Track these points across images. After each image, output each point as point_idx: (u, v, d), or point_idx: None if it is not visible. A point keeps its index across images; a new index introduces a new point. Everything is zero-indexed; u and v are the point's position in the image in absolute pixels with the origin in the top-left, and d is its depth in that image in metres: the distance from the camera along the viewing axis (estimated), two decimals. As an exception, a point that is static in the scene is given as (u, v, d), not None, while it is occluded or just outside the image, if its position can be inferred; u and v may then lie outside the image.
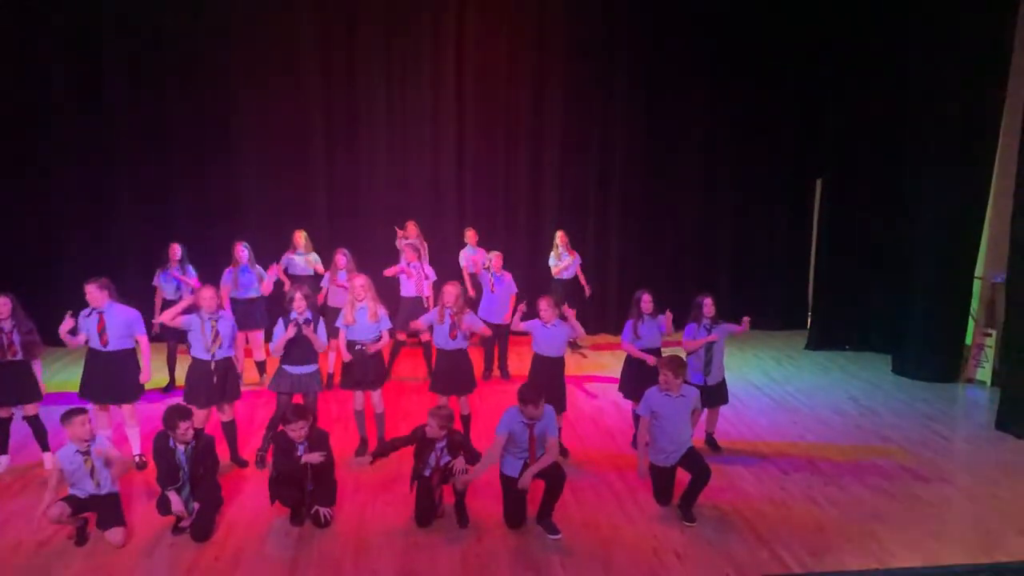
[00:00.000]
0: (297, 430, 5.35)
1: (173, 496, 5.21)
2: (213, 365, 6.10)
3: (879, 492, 6.10)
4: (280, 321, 6.35)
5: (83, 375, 6.26)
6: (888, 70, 9.55)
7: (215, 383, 6.12)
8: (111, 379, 6.15)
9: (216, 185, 10.19)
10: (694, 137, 10.99)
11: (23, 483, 6.05)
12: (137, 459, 6.33)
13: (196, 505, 5.33)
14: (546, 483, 5.43)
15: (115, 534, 5.10)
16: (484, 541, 5.30)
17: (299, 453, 5.40)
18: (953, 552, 5.23)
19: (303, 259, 8.95)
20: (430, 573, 4.91)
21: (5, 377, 6.15)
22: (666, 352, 6.90)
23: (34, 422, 6.29)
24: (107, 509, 5.17)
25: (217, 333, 6.09)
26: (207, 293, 6.12)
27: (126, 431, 6.41)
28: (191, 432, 5.23)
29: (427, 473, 5.47)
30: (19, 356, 6.15)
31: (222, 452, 6.30)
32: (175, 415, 5.22)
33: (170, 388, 8.15)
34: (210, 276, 8.34)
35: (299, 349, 6.32)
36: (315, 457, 5.38)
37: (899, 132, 9.46)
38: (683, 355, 6.53)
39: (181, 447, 5.27)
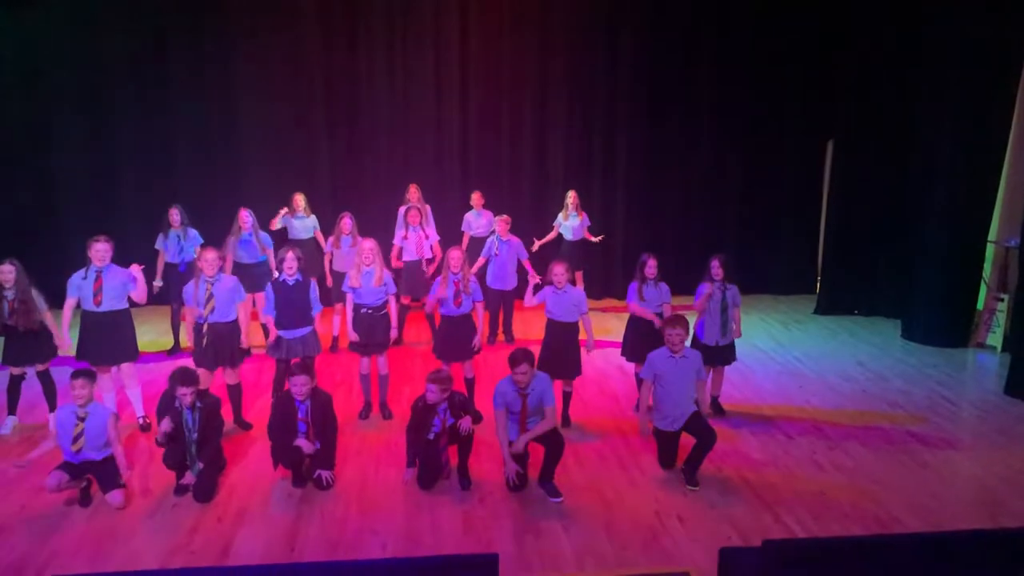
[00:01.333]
0: (299, 385, 5.32)
1: (164, 421, 5.19)
2: (205, 327, 6.07)
3: (885, 457, 6.06)
4: (269, 285, 6.32)
5: (79, 337, 6.23)
6: (902, 27, 9.31)
7: (205, 345, 6.09)
8: (107, 340, 6.13)
9: (218, 147, 10.10)
10: (703, 97, 10.78)
11: (29, 444, 6.06)
12: (140, 421, 6.34)
13: (200, 465, 5.33)
14: (545, 448, 5.41)
15: (115, 496, 5.12)
16: (486, 503, 5.30)
17: (300, 415, 5.37)
18: (958, 517, 5.19)
19: (302, 222, 8.89)
20: (432, 534, 4.91)
21: (14, 340, 6.17)
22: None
23: (44, 378, 6.30)
24: (105, 473, 5.18)
25: (211, 295, 6.04)
26: (208, 255, 6.07)
27: (127, 394, 6.41)
28: (189, 397, 5.20)
29: (432, 436, 5.45)
30: (21, 325, 6.13)
31: (226, 414, 6.35)
32: (176, 379, 5.20)
33: (175, 351, 8.16)
34: (211, 241, 8.34)
35: (293, 312, 6.30)
36: (307, 446, 5.37)
37: (913, 92, 9.25)
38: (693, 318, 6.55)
39: (187, 409, 5.26)
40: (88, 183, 9.88)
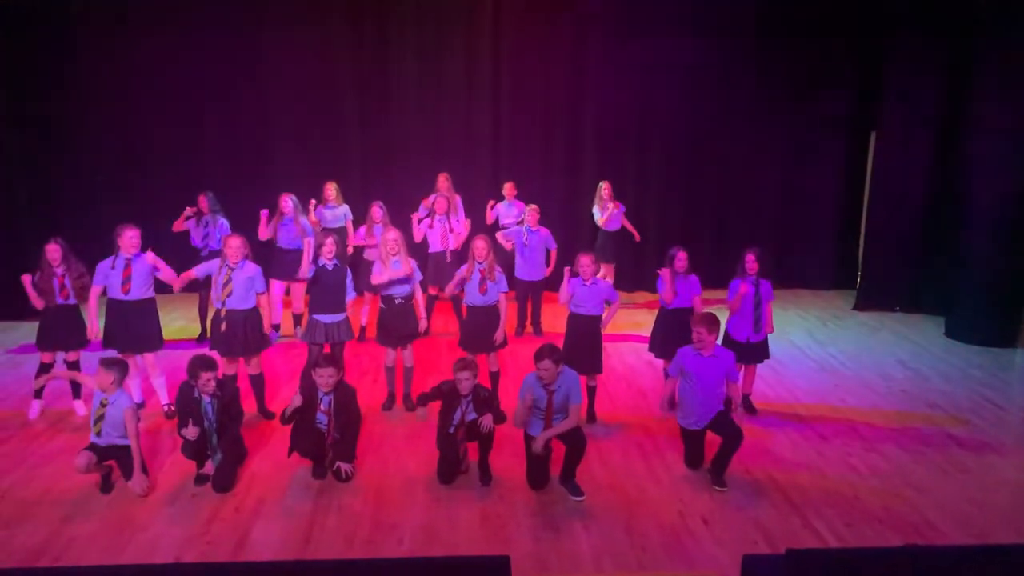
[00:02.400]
0: (325, 377, 5.25)
1: (189, 425, 5.18)
2: (223, 313, 6.06)
3: (923, 461, 5.82)
4: (312, 266, 6.33)
5: (105, 325, 6.27)
6: (953, 13, 8.93)
7: (222, 332, 6.08)
8: (132, 328, 6.15)
9: (248, 135, 10.12)
10: (743, 85, 10.49)
11: (55, 430, 6.14)
12: (165, 408, 6.37)
13: (220, 455, 5.32)
14: (566, 446, 5.28)
15: (135, 483, 5.13)
16: (506, 499, 5.19)
17: (322, 407, 5.32)
18: (999, 527, 4.95)
19: (333, 212, 8.86)
20: (449, 530, 4.83)
21: (53, 322, 6.25)
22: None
23: (73, 368, 6.35)
24: (126, 459, 5.19)
25: (229, 280, 6.02)
26: (234, 242, 6.07)
27: (152, 382, 6.43)
28: (212, 383, 5.19)
29: (451, 430, 5.36)
30: (71, 300, 6.26)
31: (250, 405, 6.35)
32: (198, 365, 5.19)
33: (203, 338, 8.19)
34: (239, 227, 8.35)
35: (329, 297, 6.32)
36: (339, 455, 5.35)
37: (961, 82, 8.87)
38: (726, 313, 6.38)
39: (206, 398, 5.24)
40: (117, 170, 9.96)
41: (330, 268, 6.37)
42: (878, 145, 10.11)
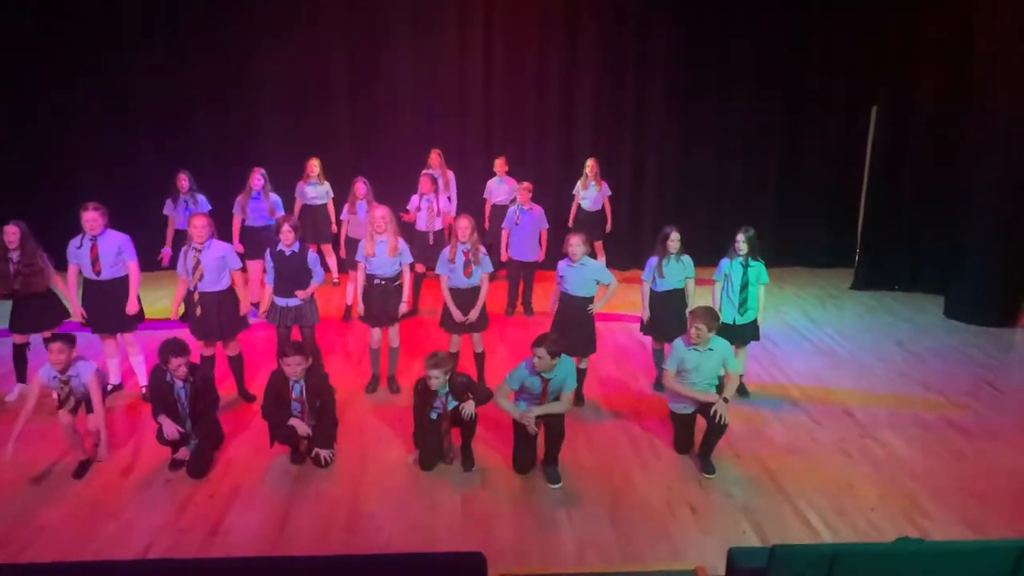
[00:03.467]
0: (292, 366, 5.09)
1: (165, 420, 5.05)
2: (196, 296, 5.88)
3: (920, 447, 5.67)
4: (267, 252, 6.10)
5: (82, 305, 6.10)
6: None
7: (199, 315, 5.90)
8: (107, 309, 5.98)
9: (234, 109, 9.87)
10: (741, 58, 10.20)
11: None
12: (143, 390, 6.21)
13: (195, 440, 5.18)
14: (545, 431, 5.15)
15: (102, 452, 5.15)
16: (488, 487, 5.05)
17: (294, 395, 5.17)
18: (997, 517, 4.80)
19: (315, 189, 8.68)
20: (429, 518, 4.69)
21: (24, 306, 6.07)
22: (700, 293, 6.54)
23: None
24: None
25: (198, 263, 5.83)
26: (198, 221, 5.85)
27: (131, 362, 6.28)
28: (184, 369, 5.03)
29: (434, 416, 5.21)
30: (25, 289, 6.01)
31: (231, 387, 6.21)
32: (168, 351, 5.02)
33: (185, 317, 8.01)
34: (224, 207, 8.18)
35: (289, 284, 6.11)
36: (302, 427, 5.16)
37: (964, 55, 8.60)
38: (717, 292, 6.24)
39: (179, 382, 5.09)
40: (100, 144, 9.72)
41: (288, 254, 6.06)
42: (878, 119, 9.85)
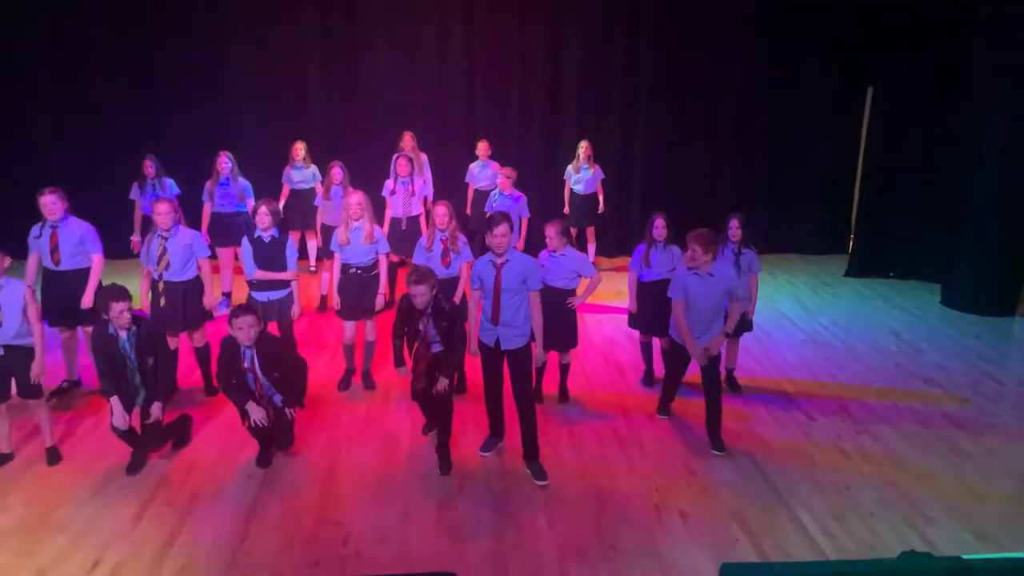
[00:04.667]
0: (245, 329, 4.66)
1: (115, 404, 4.71)
2: (161, 286, 5.55)
3: (919, 444, 5.40)
4: (244, 239, 5.75)
5: (41, 296, 5.75)
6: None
7: (162, 306, 5.57)
8: (68, 301, 5.63)
9: (204, 92, 9.47)
10: (732, 37, 9.86)
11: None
12: (65, 384, 5.90)
13: (144, 394, 4.81)
14: (519, 417, 4.90)
15: (35, 370, 4.86)
16: (466, 490, 4.75)
17: (245, 364, 4.78)
18: (1001, 519, 4.55)
19: (300, 173, 8.35)
20: (401, 527, 4.38)
21: None
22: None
23: None
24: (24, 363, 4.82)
25: (165, 251, 5.49)
26: (162, 207, 5.50)
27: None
28: (127, 315, 4.60)
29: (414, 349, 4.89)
30: None
31: (197, 380, 5.92)
32: (108, 296, 4.63)
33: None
34: (194, 192, 7.83)
35: (266, 270, 5.74)
36: (258, 412, 4.80)
37: (965, 31, 8.29)
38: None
39: (123, 333, 4.69)
40: (64, 125, 9.34)
41: (267, 240, 5.73)
42: (875, 101, 9.54)
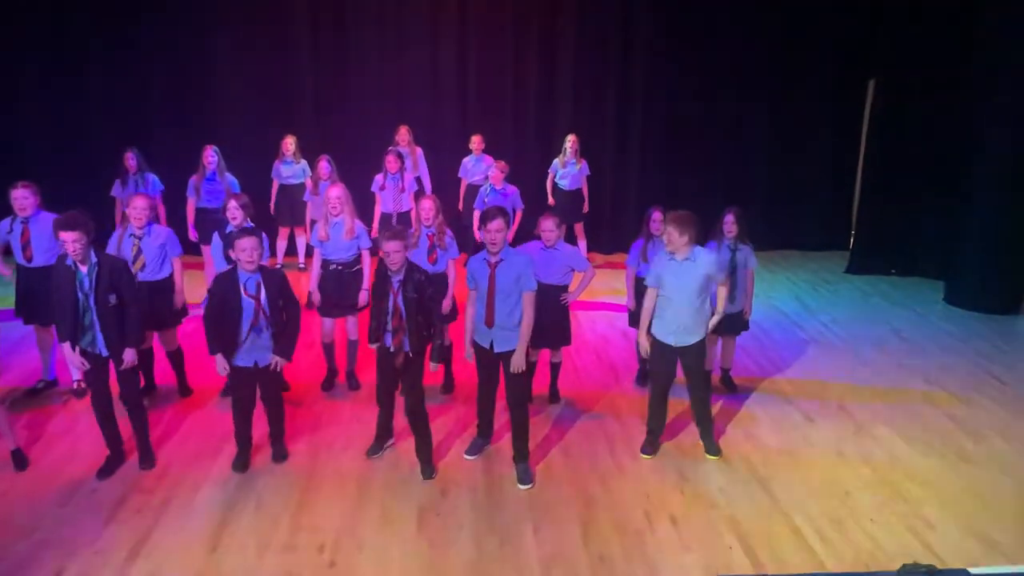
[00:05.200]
0: (248, 251, 4.40)
1: (68, 353, 4.51)
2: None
3: (921, 447, 5.21)
4: (215, 235, 5.55)
5: (16, 294, 5.60)
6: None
7: None
8: (41, 298, 5.42)
9: (192, 84, 9.26)
10: (728, 26, 9.65)
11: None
12: (75, 385, 5.70)
13: (99, 336, 4.51)
14: (510, 419, 4.73)
15: None
16: (449, 496, 4.56)
17: (247, 291, 4.50)
18: (1005, 526, 4.36)
19: (290, 168, 8.18)
20: (378, 536, 4.19)
21: None
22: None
23: None
24: None
25: (140, 251, 5.29)
26: (138, 203, 5.29)
27: (64, 355, 5.72)
28: (79, 245, 4.33)
29: (387, 332, 4.60)
30: None
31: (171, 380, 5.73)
32: (58, 226, 4.38)
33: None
34: (175, 186, 7.64)
35: None
36: (222, 363, 4.59)
37: (970, 20, 8.07)
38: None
39: (83, 268, 4.42)
40: (50, 121, 9.14)
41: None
42: (876, 92, 9.32)
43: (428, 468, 4.77)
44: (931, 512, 4.48)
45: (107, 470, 4.70)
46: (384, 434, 4.97)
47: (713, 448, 5.02)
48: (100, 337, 4.52)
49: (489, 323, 4.63)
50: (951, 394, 6.04)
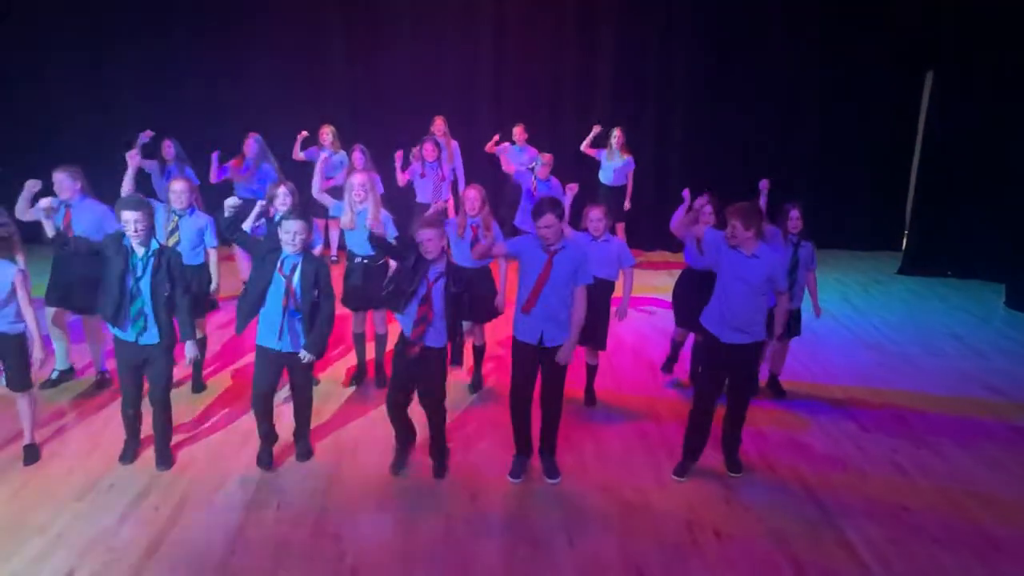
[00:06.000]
0: (292, 233, 4.23)
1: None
2: None
3: (985, 461, 4.86)
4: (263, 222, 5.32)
5: (50, 279, 5.47)
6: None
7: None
8: (76, 285, 5.30)
9: (225, 75, 9.16)
10: (776, 14, 9.28)
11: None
12: (97, 377, 5.57)
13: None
14: (541, 409, 4.47)
15: (36, 358, 4.45)
16: (477, 502, 4.33)
17: (283, 270, 4.31)
18: (1085, 552, 4.00)
19: (331, 159, 7.99)
20: (403, 543, 3.98)
21: None
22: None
23: None
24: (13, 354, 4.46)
25: (176, 228, 5.18)
26: (178, 186, 5.19)
27: (88, 346, 5.61)
28: (142, 225, 4.19)
29: (409, 329, 4.28)
30: None
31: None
32: (119, 205, 4.26)
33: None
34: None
35: None
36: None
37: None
38: None
39: (140, 250, 4.26)
40: (82, 109, 9.10)
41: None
42: (935, 84, 8.87)
43: (440, 466, 4.57)
44: (1000, 534, 4.13)
45: (129, 455, 4.61)
46: (405, 447, 4.69)
47: (736, 465, 4.67)
48: (149, 328, 4.37)
49: (527, 310, 4.33)
50: (1016, 404, 5.65)
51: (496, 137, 8.34)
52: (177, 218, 5.24)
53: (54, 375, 5.62)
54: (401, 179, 7.49)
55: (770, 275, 4.38)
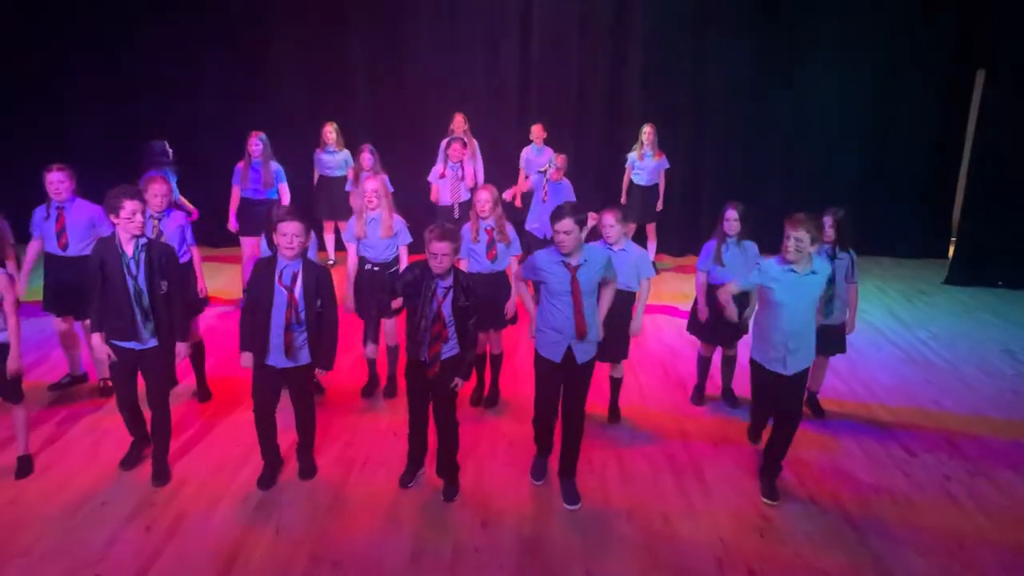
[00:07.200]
0: (288, 236, 3.94)
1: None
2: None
3: (1049, 494, 4.43)
4: (263, 237, 5.06)
5: (44, 285, 5.28)
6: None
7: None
8: (76, 289, 5.08)
9: (243, 69, 8.93)
10: (818, 9, 8.84)
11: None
12: (101, 384, 5.36)
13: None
14: (562, 427, 4.19)
15: (12, 364, 4.18)
16: (490, 528, 4.01)
17: (282, 280, 4.05)
18: None
19: (333, 157, 7.78)
20: (410, 571, 3.68)
21: None
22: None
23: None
24: None
25: (160, 233, 4.92)
26: (156, 188, 4.91)
27: (89, 353, 5.39)
28: (139, 218, 3.99)
29: (423, 338, 4.03)
30: None
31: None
32: (119, 193, 4.01)
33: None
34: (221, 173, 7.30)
35: None
36: (247, 359, 4.17)
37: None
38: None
39: (128, 250, 4.05)
40: (100, 106, 8.96)
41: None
42: (986, 84, 8.38)
43: (451, 488, 4.27)
44: (1067, 576, 3.72)
45: (132, 459, 4.44)
46: (418, 458, 4.42)
47: (773, 492, 4.30)
48: (150, 328, 4.15)
49: (581, 334, 4.05)
50: (1080, 429, 5.20)
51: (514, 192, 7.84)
52: (156, 221, 4.96)
53: (65, 380, 5.44)
54: (435, 193, 7.25)
55: (823, 287, 4.22)
